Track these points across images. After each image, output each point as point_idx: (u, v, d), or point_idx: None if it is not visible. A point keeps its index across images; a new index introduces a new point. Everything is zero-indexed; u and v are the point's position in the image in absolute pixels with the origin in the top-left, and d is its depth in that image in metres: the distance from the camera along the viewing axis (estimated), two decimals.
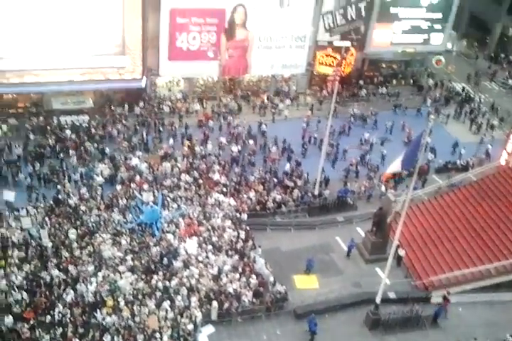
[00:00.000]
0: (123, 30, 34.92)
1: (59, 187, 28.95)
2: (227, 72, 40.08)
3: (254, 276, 24.80)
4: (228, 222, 27.79)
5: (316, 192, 31.23)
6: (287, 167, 33.07)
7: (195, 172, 31.12)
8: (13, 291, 22.51)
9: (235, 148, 34.07)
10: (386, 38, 43.50)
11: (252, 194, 30.20)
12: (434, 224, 30.01)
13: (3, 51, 33.01)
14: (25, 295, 22.52)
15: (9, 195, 26.86)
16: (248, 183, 31.24)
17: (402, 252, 27.55)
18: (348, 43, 39.84)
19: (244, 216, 28.63)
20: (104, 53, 35.18)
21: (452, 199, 31.47)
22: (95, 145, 32.69)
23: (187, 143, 34.14)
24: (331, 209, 31.03)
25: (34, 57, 33.67)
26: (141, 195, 28.39)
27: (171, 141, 34.38)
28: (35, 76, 34.20)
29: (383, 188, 32.04)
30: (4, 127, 33.36)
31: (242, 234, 27.11)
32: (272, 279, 25.09)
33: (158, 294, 23.28)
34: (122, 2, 34.06)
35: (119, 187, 29.30)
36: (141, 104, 37.67)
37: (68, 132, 33.36)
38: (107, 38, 34.95)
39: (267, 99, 40.96)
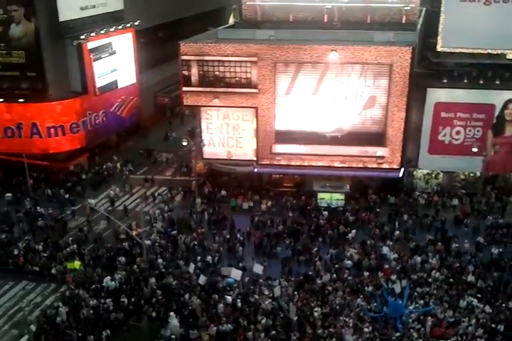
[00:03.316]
0: (386, 122, 36.41)
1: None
2: (491, 169, 37.98)
3: None
4: (480, 331, 24.96)
5: None
6: None
7: (446, 270, 29.32)
8: None
9: (495, 250, 31.27)
10: None
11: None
12: None
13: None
14: None
15: (237, 275, 28.02)
16: (508, 291, 28.03)
17: None
18: None
19: (501, 327, 25.39)
20: (366, 144, 36.92)
21: None
22: (347, 229, 33.48)
23: (428, 237, 32.64)
24: None
25: (305, 144, 37.27)
26: (388, 285, 27.73)
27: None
28: (301, 160, 37.62)
29: None
30: (269, 203, 36.82)
31: None
32: None
33: None
34: (387, 96, 35.81)
35: (366, 273, 29.22)
36: (397, 193, 37.74)
37: (325, 213, 35.08)
38: (369, 129, 36.81)
39: None
